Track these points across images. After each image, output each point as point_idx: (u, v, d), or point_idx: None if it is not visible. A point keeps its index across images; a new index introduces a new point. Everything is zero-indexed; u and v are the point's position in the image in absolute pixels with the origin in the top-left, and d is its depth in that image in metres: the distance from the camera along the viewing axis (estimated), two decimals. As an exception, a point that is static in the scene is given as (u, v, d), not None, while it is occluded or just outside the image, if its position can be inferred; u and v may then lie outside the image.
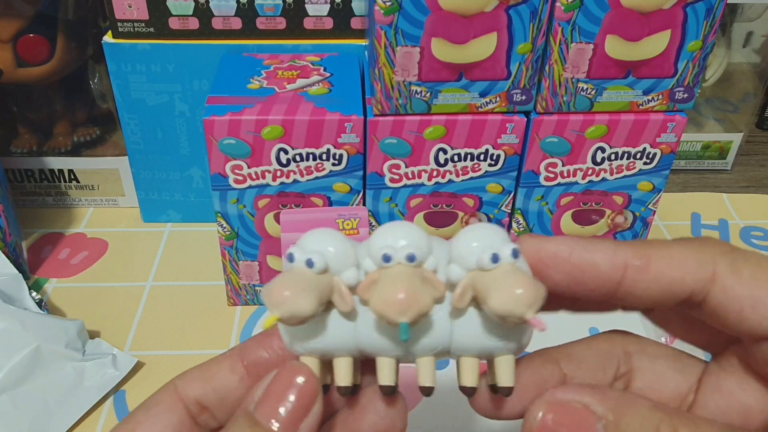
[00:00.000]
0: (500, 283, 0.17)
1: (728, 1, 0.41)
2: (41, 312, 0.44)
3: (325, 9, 0.47)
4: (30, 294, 0.45)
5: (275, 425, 0.18)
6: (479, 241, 0.18)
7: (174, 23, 0.47)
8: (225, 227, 0.44)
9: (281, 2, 0.47)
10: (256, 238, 0.45)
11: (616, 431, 0.18)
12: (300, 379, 0.19)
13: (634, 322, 0.23)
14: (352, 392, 0.20)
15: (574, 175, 0.44)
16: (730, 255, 0.19)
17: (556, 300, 0.21)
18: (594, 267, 0.19)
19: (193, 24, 0.48)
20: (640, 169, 0.44)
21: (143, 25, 0.47)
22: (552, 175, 0.44)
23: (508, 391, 0.19)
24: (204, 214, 0.56)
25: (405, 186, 0.43)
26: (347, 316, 0.19)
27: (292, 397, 0.19)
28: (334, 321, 0.19)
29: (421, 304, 0.17)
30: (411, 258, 0.18)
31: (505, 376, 0.19)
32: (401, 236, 0.19)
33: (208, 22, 0.47)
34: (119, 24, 0.47)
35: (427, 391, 0.19)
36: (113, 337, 0.45)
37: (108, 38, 0.48)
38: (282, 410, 0.19)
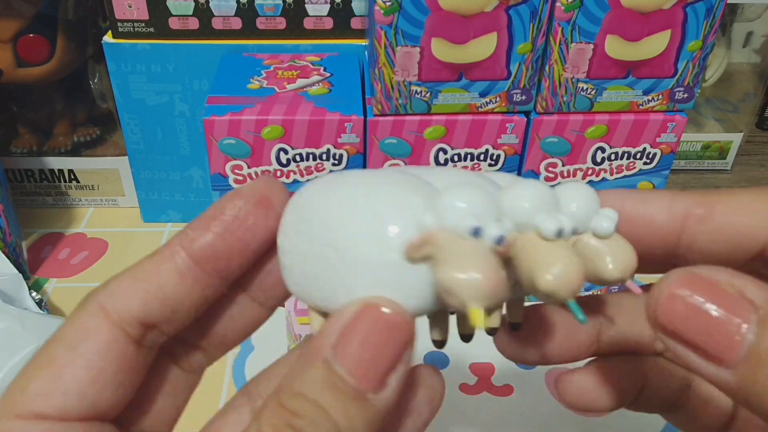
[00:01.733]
0: (551, 258, 0.15)
1: (728, 1, 0.41)
2: (41, 312, 0.44)
3: (325, 9, 0.47)
4: (30, 294, 0.45)
5: (359, 381, 0.15)
6: (544, 204, 0.16)
7: (174, 23, 0.47)
8: (225, 227, 0.44)
9: (281, 2, 0.47)
10: (256, 238, 0.45)
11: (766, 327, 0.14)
12: (390, 316, 0.15)
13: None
14: (441, 345, 0.18)
15: (574, 175, 0.44)
16: None
17: None
18: (650, 219, 0.17)
19: (193, 24, 0.48)
20: (640, 169, 0.44)
21: (143, 25, 0.47)
22: (552, 175, 0.44)
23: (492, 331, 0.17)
24: (204, 214, 0.56)
25: (405, 186, 0.43)
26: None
27: (377, 344, 0.15)
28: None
29: (581, 283, 0.15)
30: (572, 231, 0.16)
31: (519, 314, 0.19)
32: (573, 199, 0.16)
33: (208, 22, 0.47)
34: (119, 24, 0.47)
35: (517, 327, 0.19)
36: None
37: (108, 38, 0.48)
38: (368, 360, 0.15)
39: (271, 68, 0.45)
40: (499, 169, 0.43)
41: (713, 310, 0.14)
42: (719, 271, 0.14)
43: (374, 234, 0.16)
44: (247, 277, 0.18)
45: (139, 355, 0.17)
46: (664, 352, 0.21)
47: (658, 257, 0.18)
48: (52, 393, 0.15)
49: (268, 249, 0.17)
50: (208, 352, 0.19)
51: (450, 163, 0.42)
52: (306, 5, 0.47)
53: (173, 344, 0.18)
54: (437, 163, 0.42)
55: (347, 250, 0.16)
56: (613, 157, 0.43)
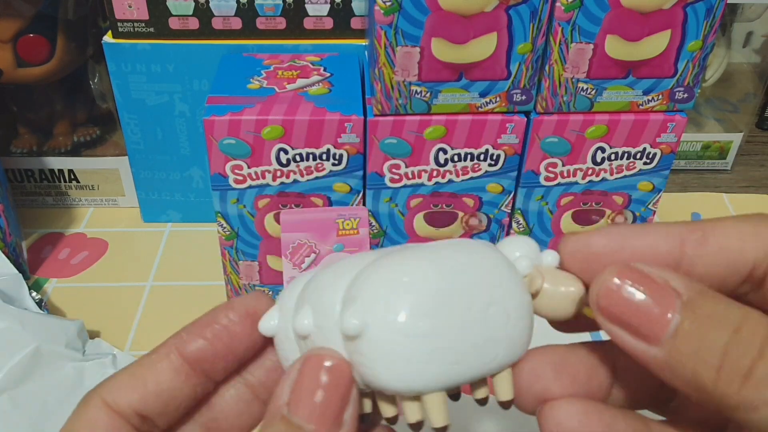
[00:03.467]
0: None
1: (728, 1, 0.41)
2: (41, 312, 0.44)
3: (325, 9, 0.47)
4: (30, 294, 0.45)
5: (317, 425, 0.17)
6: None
7: (174, 23, 0.47)
8: (225, 227, 0.44)
9: (281, 2, 0.47)
10: (256, 238, 0.45)
11: (692, 311, 0.16)
12: (328, 363, 0.17)
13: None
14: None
15: (574, 175, 0.44)
16: None
17: None
18: (654, 250, 0.18)
19: (193, 24, 0.48)
20: (640, 169, 0.44)
21: (143, 25, 0.47)
22: (552, 175, 0.44)
23: (507, 405, 0.19)
24: (204, 214, 0.56)
25: (405, 186, 0.43)
26: None
27: (323, 389, 0.17)
28: None
29: None
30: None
31: (502, 392, 0.19)
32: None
33: (208, 22, 0.47)
34: (119, 24, 0.47)
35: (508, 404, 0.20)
36: (113, 337, 0.45)
37: (108, 38, 0.48)
38: (319, 405, 0.17)
39: (271, 68, 0.45)
40: (499, 169, 0.43)
41: (645, 295, 0.16)
42: (650, 265, 0.17)
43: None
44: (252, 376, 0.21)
45: None
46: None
47: None
48: None
49: (252, 356, 0.20)
50: None
51: (450, 163, 0.42)
52: (306, 5, 0.47)
53: None
54: (437, 162, 0.42)
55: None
56: (613, 157, 0.43)
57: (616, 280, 0.17)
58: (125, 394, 0.18)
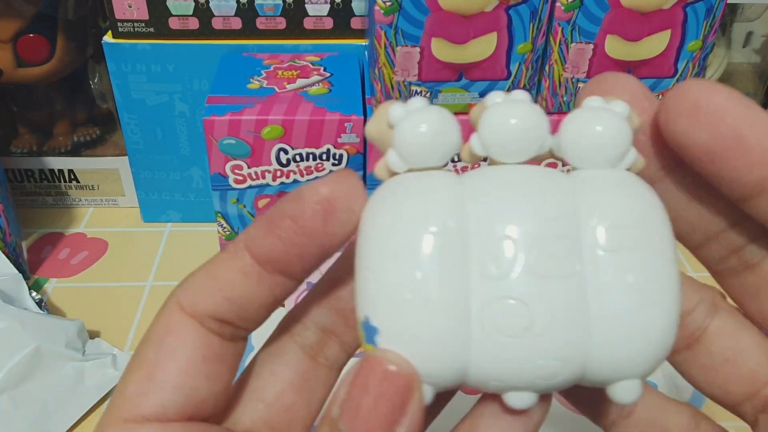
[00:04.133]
0: None
1: (728, 1, 0.41)
2: (41, 312, 0.44)
3: (325, 9, 0.47)
4: (30, 294, 0.45)
5: None
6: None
7: (174, 23, 0.47)
8: (225, 227, 0.44)
9: (281, 2, 0.47)
10: (256, 238, 0.45)
11: None
12: (389, 368, 0.15)
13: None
14: None
15: (574, 175, 0.44)
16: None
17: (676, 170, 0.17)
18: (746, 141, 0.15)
19: (193, 24, 0.48)
20: (640, 169, 0.44)
21: (143, 25, 0.47)
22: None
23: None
24: (204, 214, 0.56)
25: (405, 186, 0.43)
26: None
27: (376, 398, 0.15)
28: None
29: None
30: None
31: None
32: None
33: (208, 22, 0.47)
34: (119, 24, 0.47)
35: None
36: (113, 337, 0.45)
37: (108, 38, 0.48)
38: (368, 415, 0.15)
39: (271, 68, 0.45)
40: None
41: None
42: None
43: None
44: None
45: (227, 348, 0.17)
46: None
47: (738, 190, 0.16)
48: (147, 391, 0.16)
49: (332, 254, 0.17)
50: (346, 343, 0.19)
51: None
52: (306, 5, 0.47)
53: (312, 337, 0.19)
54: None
55: None
56: (613, 157, 0.43)
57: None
58: (200, 296, 0.17)
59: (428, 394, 0.15)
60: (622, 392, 0.15)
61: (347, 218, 0.16)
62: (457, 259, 0.14)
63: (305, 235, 0.16)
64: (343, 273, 0.18)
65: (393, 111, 0.16)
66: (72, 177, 0.57)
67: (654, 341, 0.15)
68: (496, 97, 0.16)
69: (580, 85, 0.41)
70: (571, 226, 0.15)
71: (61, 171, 0.56)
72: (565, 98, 0.41)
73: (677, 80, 0.41)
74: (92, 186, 0.57)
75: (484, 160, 0.17)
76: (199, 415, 0.16)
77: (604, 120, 0.16)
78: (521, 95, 0.16)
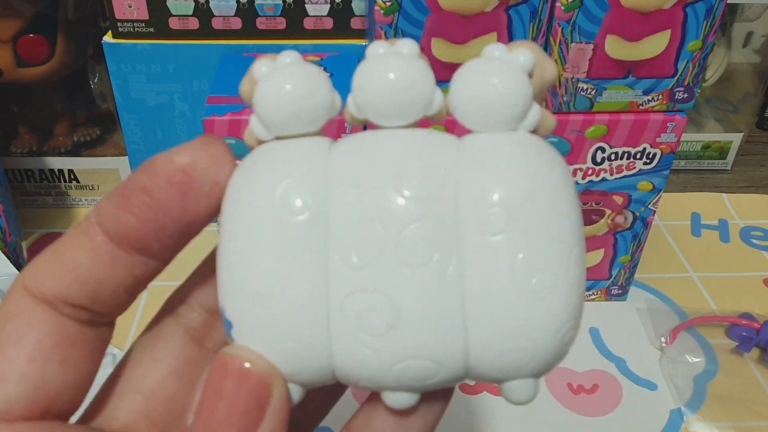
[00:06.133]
0: None
1: (728, 1, 0.41)
2: (41, 312, 0.44)
3: (325, 9, 0.47)
4: (30, 294, 0.45)
5: None
6: None
7: (174, 23, 0.47)
8: (225, 227, 0.44)
9: (281, 2, 0.47)
10: (256, 238, 0.45)
11: None
12: (246, 365, 0.13)
13: (632, 321, 0.22)
14: None
15: (574, 175, 0.44)
16: None
17: None
18: None
19: (193, 24, 0.48)
20: (640, 169, 0.44)
21: (143, 25, 0.47)
22: (552, 175, 0.44)
23: None
24: (204, 214, 0.56)
25: (405, 186, 0.43)
26: None
27: (229, 402, 0.13)
28: None
29: None
30: None
31: None
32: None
33: (208, 22, 0.47)
34: (119, 24, 0.47)
35: None
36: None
37: (108, 38, 0.48)
38: (223, 422, 0.13)
39: (271, 68, 0.45)
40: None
41: None
42: None
43: None
44: None
45: (86, 334, 0.15)
46: None
47: None
48: None
49: (194, 228, 0.16)
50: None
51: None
52: (306, 5, 0.47)
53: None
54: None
55: None
56: (613, 157, 0.43)
57: None
58: (48, 278, 0.14)
59: (295, 393, 0.13)
60: (514, 392, 0.13)
61: (209, 191, 0.14)
62: (314, 247, 0.12)
63: (160, 210, 0.14)
64: None
65: (257, 67, 0.14)
66: (72, 177, 0.57)
67: (539, 339, 0.12)
68: (378, 47, 0.14)
69: (581, 85, 0.41)
70: (450, 206, 0.12)
71: (61, 171, 0.56)
72: (565, 98, 0.41)
73: (677, 80, 0.41)
74: (92, 186, 0.57)
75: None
76: (52, 411, 0.14)
77: (498, 73, 0.13)
78: (408, 46, 0.14)
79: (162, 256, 0.16)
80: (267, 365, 0.13)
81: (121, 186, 0.15)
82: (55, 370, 0.14)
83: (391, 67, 0.14)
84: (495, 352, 0.12)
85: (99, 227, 0.14)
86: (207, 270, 0.17)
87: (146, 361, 0.16)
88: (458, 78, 0.14)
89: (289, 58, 0.14)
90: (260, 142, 0.14)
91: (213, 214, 0.15)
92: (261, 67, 0.14)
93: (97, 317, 0.15)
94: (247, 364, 0.13)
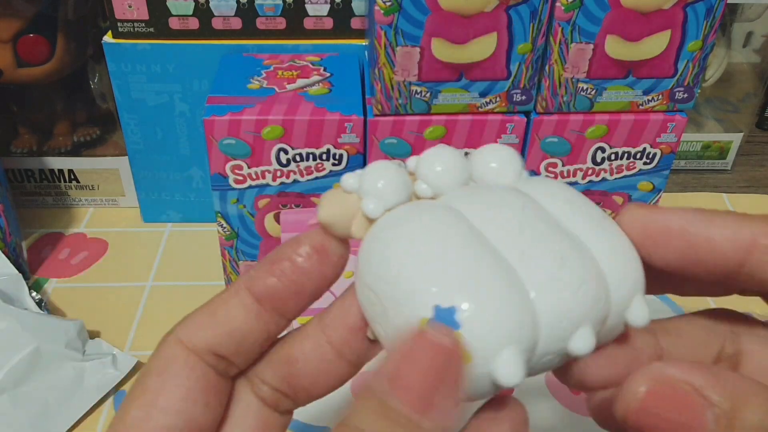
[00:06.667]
0: None
1: (728, 1, 0.41)
2: (41, 312, 0.44)
3: (325, 9, 0.47)
4: (30, 294, 0.45)
5: (415, 410, 0.15)
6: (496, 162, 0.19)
7: (174, 23, 0.47)
8: (225, 227, 0.44)
9: (281, 2, 0.47)
10: (256, 238, 0.45)
11: (729, 424, 0.15)
12: (441, 343, 0.15)
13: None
14: None
15: (574, 175, 0.44)
16: (744, 319, 0.18)
17: (665, 280, 0.19)
18: (712, 244, 0.17)
19: (193, 24, 0.48)
20: (640, 169, 0.44)
21: (143, 25, 0.47)
22: (552, 175, 0.44)
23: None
24: (204, 214, 0.56)
25: (405, 186, 0.43)
26: None
27: (429, 372, 0.15)
28: None
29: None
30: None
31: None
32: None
33: (208, 22, 0.47)
34: (119, 24, 0.47)
35: None
36: (113, 337, 0.45)
37: (108, 38, 0.48)
38: (420, 389, 0.15)
39: (271, 68, 0.45)
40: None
41: (677, 411, 0.15)
42: (680, 367, 0.15)
43: None
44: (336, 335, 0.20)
45: (221, 383, 0.19)
46: None
47: (717, 280, 0.18)
48: (151, 416, 0.17)
49: (323, 292, 0.19)
50: (296, 401, 0.20)
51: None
52: (306, 5, 0.47)
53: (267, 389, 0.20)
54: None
55: None
56: (613, 157, 0.43)
57: (646, 394, 0.16)
58: (199, 332, 0.18)
59: (519, 361, 0.16)
60: (640, 311, 0.17)
61: (337, 261, 0.19)
62: (488, 246, 0.17)
63: (303, 274, 0.18)
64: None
65: (348, 181, 0.19)
66: (72, 177, 0.57)
67: (631, 274, 0.18)
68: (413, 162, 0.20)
69: (581, 85, 0.41)
70: (541, 211, 0.18)
71: (61, 171, 0.56)
72: (565, 98, 0.41)
73: (677, 80, 0.41)
74: (92, 186, 0.57)
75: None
76: None
77: (502, 149, 0.20)
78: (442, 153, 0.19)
79: (291, 315, 0.19)
80: (460, 342, 0.15)
81: (268, 256, 0.19)
82: (201, 410, 0.18)
83: (447, 157, 0.19)
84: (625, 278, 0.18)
85: (248, 290, 0.19)
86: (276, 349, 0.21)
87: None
88: (477, 156, 0.20)
89: (358, 177, 0.19)
90: (371, 221, 0.18)
91: (336, 278, 0.19)
92: (350, 179, 0.19)
93: (230, 369, 0.19)
94: (447, 340, 0.15)
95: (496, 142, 0.42)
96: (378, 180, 0.18)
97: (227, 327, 0.18)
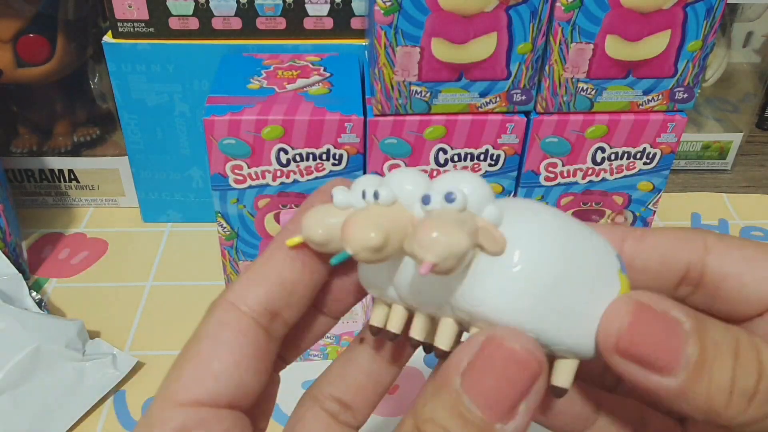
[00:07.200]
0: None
1: (728, 1, 0.41)
2: (41, 312, 0.44)
3: (325, 9, 0.47)
4: (30, 294, 0.45)
5: (487, 414, 0.15)
6: (413, 183, 0.18)
7: (174, 23, 0.47)
8: (225, 227, 0.44)
9: (281, 2, 0.47)
10: (256, 238, 0.45)
11: (698, 339, 0.16)
12: (515, 349, 0.16)
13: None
14: (426, 349, 0.19)
15: (574, 175, 0.44)
16: (716, 233, 0.19)
17: None
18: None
19: (193, 24, 0.48)
20: (640, 169, 0.44)
21: (143, 25, 0.47)
22: (552, 175, 0.44)
23: (561, 392, 0.18)
24: (204, 214, 0.56)
25: (405, 186, 0.43)
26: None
27: (503, 378, 0.15)
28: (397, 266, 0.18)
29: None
30: (450, 199, 0.17)
31: (561, 377, 0.18)
32: (461, 180, 0.18)
33: (208, 22, 0.47)
34: (119, 24, 0.47)
35: (442, 354, 0.18)
36: (113, 337, 0.45)
37: (108, 38, 0.48)
38: (495, 393, 0.15)
39: (271, 68, 0.45)
40: (499, 169, 0.43)
41: (658, 330, 0.16)
42: (650, 295, 0.17)
43: None
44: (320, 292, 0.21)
45: (270, 344, 0.19)
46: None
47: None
48: (204, 378, 0.17)
49: None
50: (285, 360, 0.21)
51: (450, 163, 0.42)
52: (306, 5, 0.47)
53: None
54: (437, 163, 0.42)
55: None
56: (613, 157, 0.43)
57: (632, 320, 0.17)
58: (251, 290, 0.19)
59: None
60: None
61: None
62: None
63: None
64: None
65: (339, 197, 0.18)
66: (72, 177, 0.57)
67: None
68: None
69: (581, 85, 0.41)
70: None
71: (61, 171, 0.56)
72: (565, 98, 0.41)
73: (677, 80, 0.41)
74: (92, 186, 0.57)
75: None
76: (241, 406, 0.18)
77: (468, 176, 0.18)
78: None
79: (328, 309, 0.20)
80: (538, 348, 0.16)
81: (299, 210, 0.20)
82: (251, 377, 0.18)
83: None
84: None
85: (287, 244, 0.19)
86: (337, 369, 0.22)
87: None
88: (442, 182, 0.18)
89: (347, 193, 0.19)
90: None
91: None
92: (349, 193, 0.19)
93: (282, 327, 0.19)
94: (517, 346, 0.16)
95: (496, 142, 0.42)
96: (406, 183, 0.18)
97: (277, 280, 0.19)
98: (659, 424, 0.21)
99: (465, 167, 0.43)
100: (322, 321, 0.22)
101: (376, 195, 0.17)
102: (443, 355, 0.17)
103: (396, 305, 0.19)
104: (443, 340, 0.18)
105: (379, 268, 0.18)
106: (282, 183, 0.42)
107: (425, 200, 0.17)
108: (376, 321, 0.19)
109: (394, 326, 0.19)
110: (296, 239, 0.19)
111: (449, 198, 0.17)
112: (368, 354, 0.21)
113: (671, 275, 0.19)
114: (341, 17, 0.48)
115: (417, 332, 0.18)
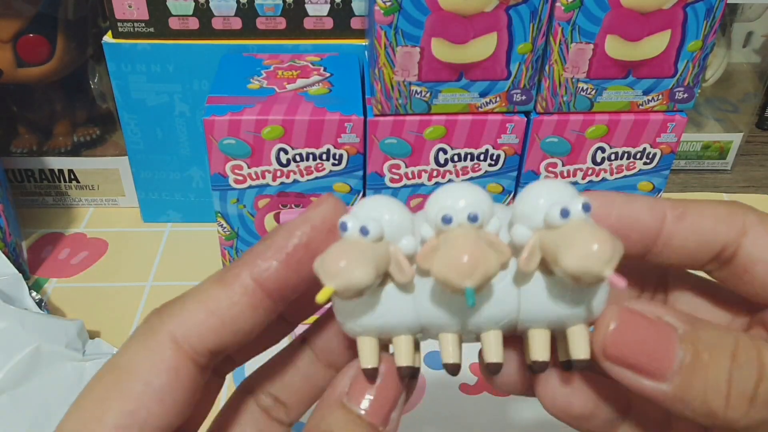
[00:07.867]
0: (573, 239, 0.16)
1: (728, 1, 0.41)
2: (41, 312, 0.44)
3: (325, 9, 0.47)
4: (30, 294, 0.45)
5: (372, 418, 0.18)
6: (546, 196, 0.17)
7: (174, 23, 0.47)
8: (225, 227, 0.44)
9: (281, 2, 0.47)
10: (256, 238, 0.45)
11: (694, 339, 0.17)
12: (382, 368, 0.18)
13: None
14: (412, 375, 0.19)
15: (574, 175, 0.44)
16: (758, 212, 0.19)
17: None
18: (635, 219, 0.19)
19: (193, 24, 0.48)
20: (640, 169, 0.44)
21: (143, 25, 0.47)
22: (552, 175, 0.44)
23: (584, 363, 0.18)
24: (204, 214, 0.56)
25: (405, 186, 0.43)
26: (405, 289, 0.18)
27: (378, 388, 0.18)
28: (391, 295, 0.18)
29: (487, 265, 0.16)
30: (473, 218, 0.16)
31: (580, 348, 0.18)
32: (460, 197, 0.17)
33: (208, 22, 0.47)
34: (119, 24, 0.47)
35: (495, 368, 0.18)
36: (113, 337, 0.45)
37: (108, 38, 0.48)
38: (376, 400, 0.18)
39: (271, 68, 0.45)
40: (499, 169, 0.43)
41: (647, 336, 0.17)
42: (642, 303, 0.18)
43: None
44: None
45: (202, 378, 0.18)
46: None
47: (639, 252, 0.20)
48: (130, 427, 0.17)
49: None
50: (235, 362, 0.21)
51: (450, 163, 0.42)
52: (306, 5, 0.47)
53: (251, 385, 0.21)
54: (437, 163, 0.42)
55: None
56: (613, 157, 0.43)
57: (618, 325, 0.17)
58: (200, 332, 0.17)
59: None
60: None
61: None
62: None
63: (301, 260, 0.18)
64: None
65: (371, 227, 0.17)
66: (72, 177, 0.57)
67: None
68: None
69: (581, 85, 0.41)
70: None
71: (61, 171, 0.56)
72: (565, 98, 0.41)
73: (677, 80, 0.41)
74: (92, 186, 0.57)
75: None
76: None
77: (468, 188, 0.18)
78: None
79: (283, 305, 0.18)
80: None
81: (273, 240, 0.18)
82: (180, 416, 0.17)
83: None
84: None
85: (254, 282, 0.17)
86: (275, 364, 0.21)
87: None
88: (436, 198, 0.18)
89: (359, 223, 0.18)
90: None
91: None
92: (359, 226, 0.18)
93: (225, 367, 0.20)
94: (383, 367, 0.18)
95: (496, 142, 0.42)
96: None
97: (234, 327, 0.17)
98: (683, 427, 0.21)
99: (465, 167, 0.43)
100: (281, 327, 0.21)
101: (363, 230, 0.17)
102: (543, 367, 0.18)
103: (400, 336, 0.18)
104: (537, 351, 0.18)
105: (381, 302, 0.18)
106: (282, 183, 0.42)
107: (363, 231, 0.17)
108: (372, 361, 0.18)
109: (408, 359, 0.18)
110: (328, 291, 0.16)
111: (364, 231, 0.17)
112: (309, 356, 0.21)
113: (705, 255, 0.19)
114: (341, 17, 0.48)
115: (407, 359, 0.19)
